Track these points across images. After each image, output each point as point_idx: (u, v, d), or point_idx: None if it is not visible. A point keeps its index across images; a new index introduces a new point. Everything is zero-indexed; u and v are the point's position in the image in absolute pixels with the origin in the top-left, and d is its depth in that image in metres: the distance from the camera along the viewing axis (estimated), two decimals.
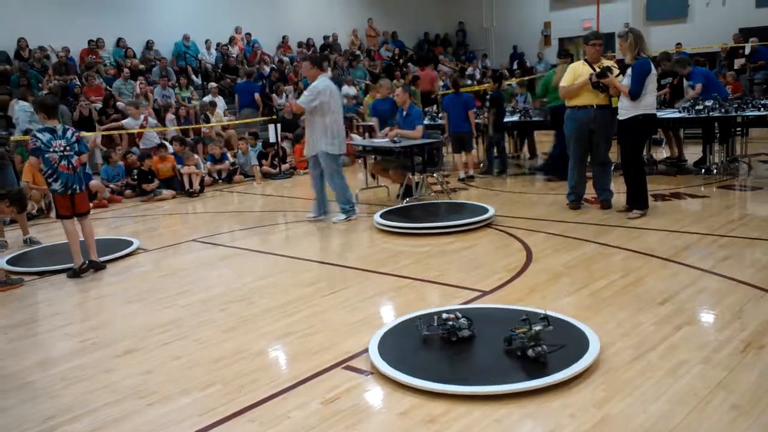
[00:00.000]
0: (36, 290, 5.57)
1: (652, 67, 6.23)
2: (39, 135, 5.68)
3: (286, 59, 17.49)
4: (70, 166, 5.74)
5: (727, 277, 4.56)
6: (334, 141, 7.17)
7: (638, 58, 6.15)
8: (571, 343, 3.47)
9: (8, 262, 6.25)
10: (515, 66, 21.05)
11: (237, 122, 13.47)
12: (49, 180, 5.72)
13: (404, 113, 8.40)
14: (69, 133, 5.79)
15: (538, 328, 3.30)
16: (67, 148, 5.73)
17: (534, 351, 3.27)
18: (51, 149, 5.65)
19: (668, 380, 3.12)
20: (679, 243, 5.50)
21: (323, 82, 7.12)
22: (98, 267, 5.95)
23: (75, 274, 5.79)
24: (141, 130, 11.38)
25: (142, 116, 11.44)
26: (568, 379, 3.13)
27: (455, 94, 9.77)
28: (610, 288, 4.49)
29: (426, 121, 10.63)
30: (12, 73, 12.87)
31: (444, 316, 3.66)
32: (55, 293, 5.46)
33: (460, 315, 3.67)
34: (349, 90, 16.10)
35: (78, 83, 13.28)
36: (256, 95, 14.45)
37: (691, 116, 8.42)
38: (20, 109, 10.95)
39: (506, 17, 22.37)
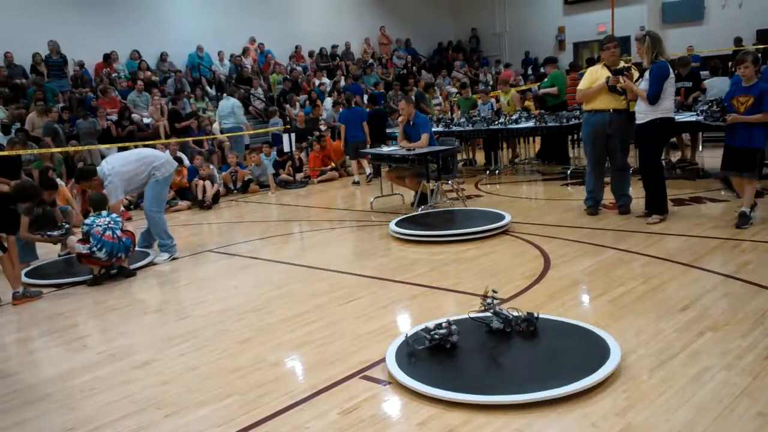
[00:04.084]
0: (54, 302, 5.60)
1: (670, 70, 6.16)
2: (86, 221, 6.09)
3: (298, 69, 17.58)
4: (115, 236, 6.00)
5: (749, 282, 4.48)
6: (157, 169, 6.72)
7: (656, 62, 6.09)
8: (592, 351, 3.43)
9: (26, 274, 6.30)
10: (530, 71, 21.00)
11: (250, 132, 13.53)
12: (94, 249, 5.92)
13: (411, 124, 8.36)
14: (114, 215, 6.19)
15: (489, 302, 3.84)
16: (111, 222, 6.05)
17: (497, 323, 3.75)
18: (95, 225, 5.98)
19: (691, 388, 3.06)
20: (700, 248, 5.42)
21: (104, 172, 6.50)
22: (128, 274, 6.13)
23: (95, 281, 5.96)
24: (160, 141, 11.47)
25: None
26: (589, 387, 3.08)
27: (349, 109, 11.59)
28: (630, 294, 4.43)
29: (440, 128, 10.66)
30: (28, 87, 13.03)
31: (431, 326, 3.65)
32: (73, 305, 5.48)
33: (444, 324, 3.65)
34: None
35: (94, 96, 13.42)
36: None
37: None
38: (234, 105, 13.03)
39: (519, 23, 22.32)
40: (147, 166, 6.69)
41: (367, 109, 12.28)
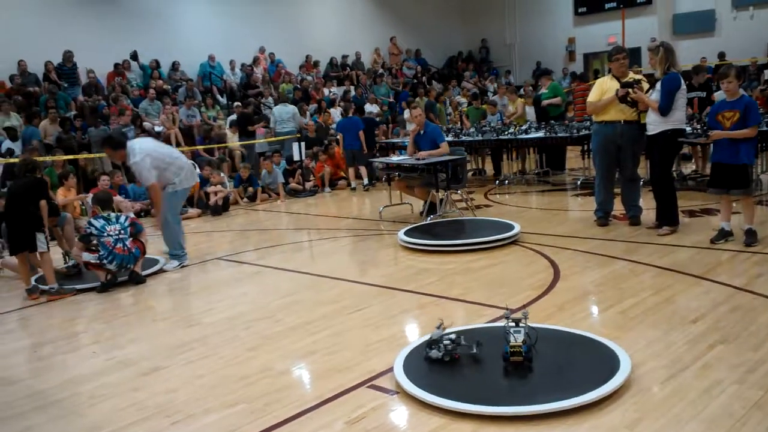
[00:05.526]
0: (64, 309, 5.62)
1: (682, 81, 6.13)
2: (94, 222, 6.06)
3: (309, 78, 17.64)
4: (125, 248, 6.03)
5: (761, 294, 4.44)
6: (180, 177, 6.71)
7: (668, 73, 6.06)
8: (602, 362, 3.40)
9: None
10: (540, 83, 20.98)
11: (258, 141, 13.57)
12: (104, 261, 5.96)
13: (421, 133, 8.39)
14: (122, 219, 6.16)
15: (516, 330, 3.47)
16: (122, 231, 6.06)
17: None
18: (106, 234, 5.99)
19: (702, 401, 3.03)
20: (711, 260, 5.38)
21: (134, 148, 6.42)
22: (139, 280, 6.15)
23: (103, 287, 5.97)
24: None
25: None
26: (599, 399, 3.05)
27: (347, 118, 12.01)
28: (640, 306, 4.40)
29: (449, 138, 10.65)
30: (41, 94, 13.14)
31: (440, 337, 3.59)
32: (83, 312, 5.51)
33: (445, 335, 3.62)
34: (372, 108, 16.18)
35: (106, 104, 13.51)
36: (404, 102, 15.52)
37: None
38: (293, 111, 13.45)
39: (530, 33, 22.32)
40: (176, 168, 6.62)
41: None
